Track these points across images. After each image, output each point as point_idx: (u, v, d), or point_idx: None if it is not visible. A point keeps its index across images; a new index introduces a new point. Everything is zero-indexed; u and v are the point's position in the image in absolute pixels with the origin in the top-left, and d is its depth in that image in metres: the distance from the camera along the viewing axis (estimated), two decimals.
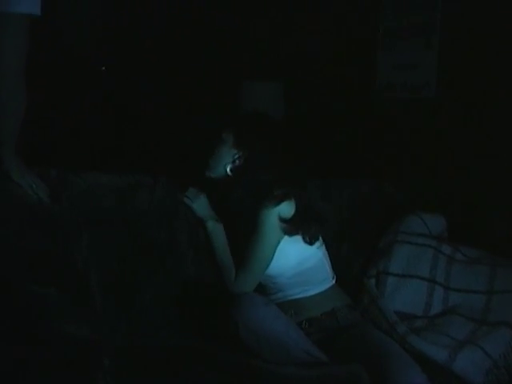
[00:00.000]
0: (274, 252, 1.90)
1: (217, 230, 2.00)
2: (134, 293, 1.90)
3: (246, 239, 1.92)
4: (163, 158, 3.33)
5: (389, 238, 2.19)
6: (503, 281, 2.03)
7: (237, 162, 1.92)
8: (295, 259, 1.93)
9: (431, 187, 2.66)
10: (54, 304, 1.65)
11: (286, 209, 1.88)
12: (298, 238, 1.93)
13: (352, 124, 3.14)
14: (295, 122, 3.35)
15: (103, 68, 3.75)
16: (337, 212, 2.34)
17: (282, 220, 1.88)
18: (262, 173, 1.91)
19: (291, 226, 1.89)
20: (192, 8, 3.68)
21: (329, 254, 2.06)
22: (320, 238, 2.00)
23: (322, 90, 3.31)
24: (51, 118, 3.37)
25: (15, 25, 1.67)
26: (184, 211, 2.06)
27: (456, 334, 1.90)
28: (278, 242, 1.90)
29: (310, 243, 1.94)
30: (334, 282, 2.01)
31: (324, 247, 2.02)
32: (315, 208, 2.02)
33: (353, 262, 2.26)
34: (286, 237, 1.92)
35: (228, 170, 1.93)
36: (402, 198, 2.45)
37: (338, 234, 2.30)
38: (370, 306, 2.02)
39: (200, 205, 2.03)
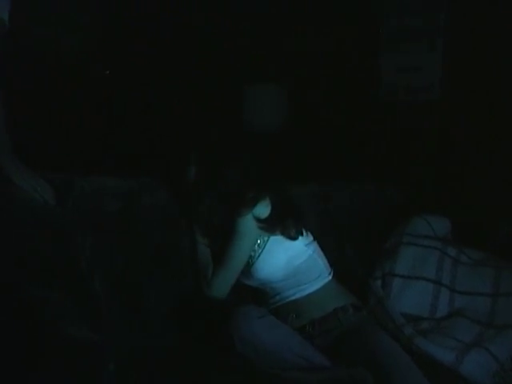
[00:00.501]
0: (249, 252, 1.92)
1: None
2: (137, 295, 1.90)
3: (222, 243, 1.94)
4: (166, 161, 3.33)
5: (394, 240, 2.19)
6: (508, 283, 2.03)
7: (201, 176, 1.94)
8: (284, 258, 1.93)
9: (435, 189, 2.65)
10: (57, 306, 1.64)
11: (261, 209, 1.89)
12: (283, 237, 1.94)
13: (355, 126, 3.14)
14: (297, 124, 3.35)
15: (107, 72, 3.75)
16: (339, 214, 2.34)
17: (259, 220, 1.89)
18: (227, 185, 1.93)
19: (269, 225, 1.90)
20: (192, 11, 3.68)
21: (332, 256, 2.06)
22: (309, 234, 2.00)
23: (324, 92, 3.30)
24: (55, 122, 3.38)
25: None
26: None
27: (462, 336, 1.89)
28: (255, 242, 1.92)
29: (293, 238, 1.94)
30: (330, 277, 2.00)
31: (315, 244, 2.02)
32: (291, 203, 2.02)
33: (356, 263, 2.25)
34: (271, 238, 1.93)
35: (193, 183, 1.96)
36: (404, 199, 2.45)
37: (340, 235, 2.29)
38: (376, 308, 2.01)
39: None
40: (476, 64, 2.59)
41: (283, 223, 1.93)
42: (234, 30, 3.53)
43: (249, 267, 1.95)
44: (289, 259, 1.93)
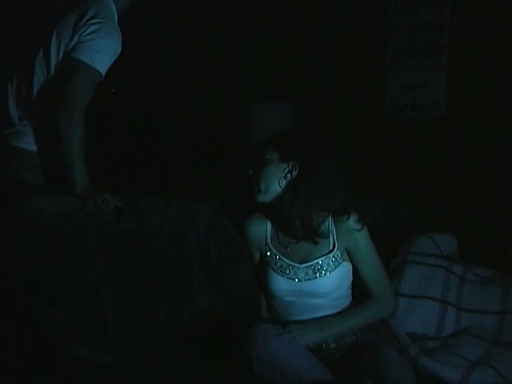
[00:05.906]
0: None
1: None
2: (146, 316, 1.90)
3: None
4: (175, 180, 3.34)
5: (400, 259, 2.18)
6: None
7: (288, 175, 1.92)
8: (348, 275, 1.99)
9: (442, 207, 2.65)
10: (67, 328, 1.66)
11: None
12: None
13: (361, 144, 3.15)
14: None
15: (112, 90, 3.77)
16: None
17: None
18: (324, 176, 1.93)
19: None
20: (200, 30, 3.72)
21: None
22: None
23: (330, 109, 3.32)
24: None
25: None
26: (195, 234, 2.06)
27: (468, 354, 1.89)
28: None
29: None
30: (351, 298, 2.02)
31: None
32: None
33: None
34: None
35: (283, 184, 1.91)
36: (412, 218, 2.44)
37: None
38: (381, 327, 2.00)
39: (306, 335, 1.86)
40: (481, 81, 2.61)
41: None
42: (241, 47, 3.56)
43: (312, 278, 1.93)
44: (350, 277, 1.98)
